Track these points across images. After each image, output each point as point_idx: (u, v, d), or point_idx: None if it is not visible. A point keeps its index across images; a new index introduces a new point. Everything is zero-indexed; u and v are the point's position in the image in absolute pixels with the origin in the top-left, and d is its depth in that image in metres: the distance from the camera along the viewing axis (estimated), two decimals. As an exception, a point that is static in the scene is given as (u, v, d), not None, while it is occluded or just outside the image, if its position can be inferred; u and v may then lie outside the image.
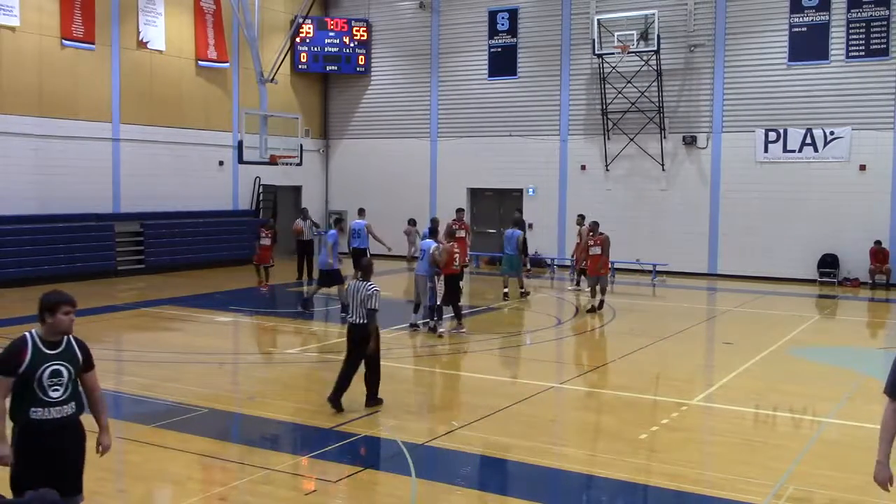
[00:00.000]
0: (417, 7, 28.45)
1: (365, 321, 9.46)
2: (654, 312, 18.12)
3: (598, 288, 17.57)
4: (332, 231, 17.15)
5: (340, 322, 15.26)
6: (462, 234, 20.51)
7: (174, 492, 7.38)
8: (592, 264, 17.70)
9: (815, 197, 22.88)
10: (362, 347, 9.51)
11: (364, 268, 9.95)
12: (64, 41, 21.89)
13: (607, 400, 10.85)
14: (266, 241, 21.08)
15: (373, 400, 9.71)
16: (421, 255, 15.07)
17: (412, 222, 24.32)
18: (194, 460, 8.06)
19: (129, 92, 23.64)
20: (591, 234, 18.07)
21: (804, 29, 22.88)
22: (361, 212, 21.59)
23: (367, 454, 8.43)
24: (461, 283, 15.28)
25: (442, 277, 14.55)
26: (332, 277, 16.48)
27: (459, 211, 22.10)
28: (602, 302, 17.51)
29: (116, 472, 7.83)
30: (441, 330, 14.44)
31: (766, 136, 23.42)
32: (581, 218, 20.97)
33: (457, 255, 14.81)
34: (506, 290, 19.07)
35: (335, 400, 9.48)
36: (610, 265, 19.13)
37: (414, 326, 14.93)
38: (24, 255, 20.50)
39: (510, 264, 19.03)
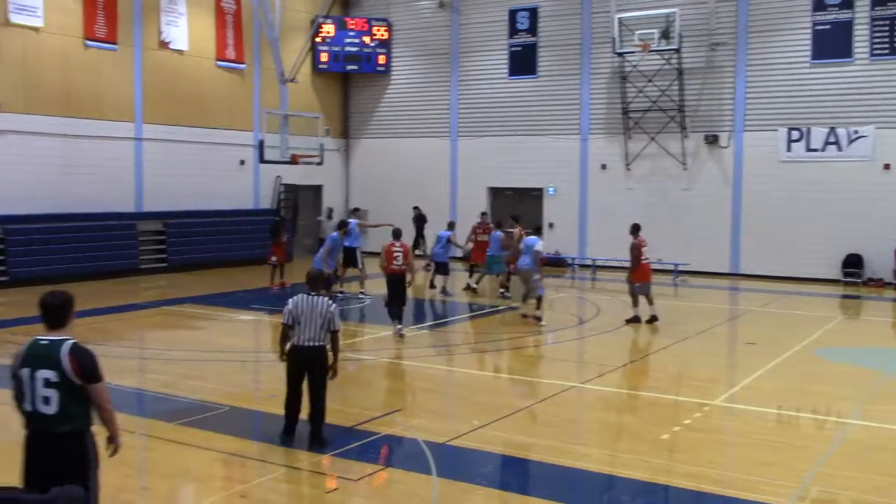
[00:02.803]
0: (437, 6, 28.45)
1: (323, 343, 8.24)
2: (676, 312, 17.99)
3: (638, 298, 15.81)
4: (334, 234, 17.23)
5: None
6: (486, 237, 20.51)
7: (196, 489, 7.43)
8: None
9: (838, 196, 22.65)
10: (319, 372, 8.28)
11: (313, 279, 8.53)
12: (87, 42, 22.07)
13: (628, 400, 10.81)
14: (284, 239, 21.11)
15: (319, 438, 8.31)
16: (524, 250, 15.97)
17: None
18: (216, 458, 8.11)
19: (151, 92, 23.81)
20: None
21: (827, 27, 22.65)
22: (354, 211, 21.32)
23: (388, 453, 8.44)
24: (404, 285, 14.19)
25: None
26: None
27: (483, 214, 22.15)
28: (636, 317, 15.79)
29: (140, 469, 7.91)
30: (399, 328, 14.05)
31: (789, 135, 23.21)
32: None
33: (398, 254, 13.95)
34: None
35: (291, 433, 8.45)
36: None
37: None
38: (48, 254, 20.70)
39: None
